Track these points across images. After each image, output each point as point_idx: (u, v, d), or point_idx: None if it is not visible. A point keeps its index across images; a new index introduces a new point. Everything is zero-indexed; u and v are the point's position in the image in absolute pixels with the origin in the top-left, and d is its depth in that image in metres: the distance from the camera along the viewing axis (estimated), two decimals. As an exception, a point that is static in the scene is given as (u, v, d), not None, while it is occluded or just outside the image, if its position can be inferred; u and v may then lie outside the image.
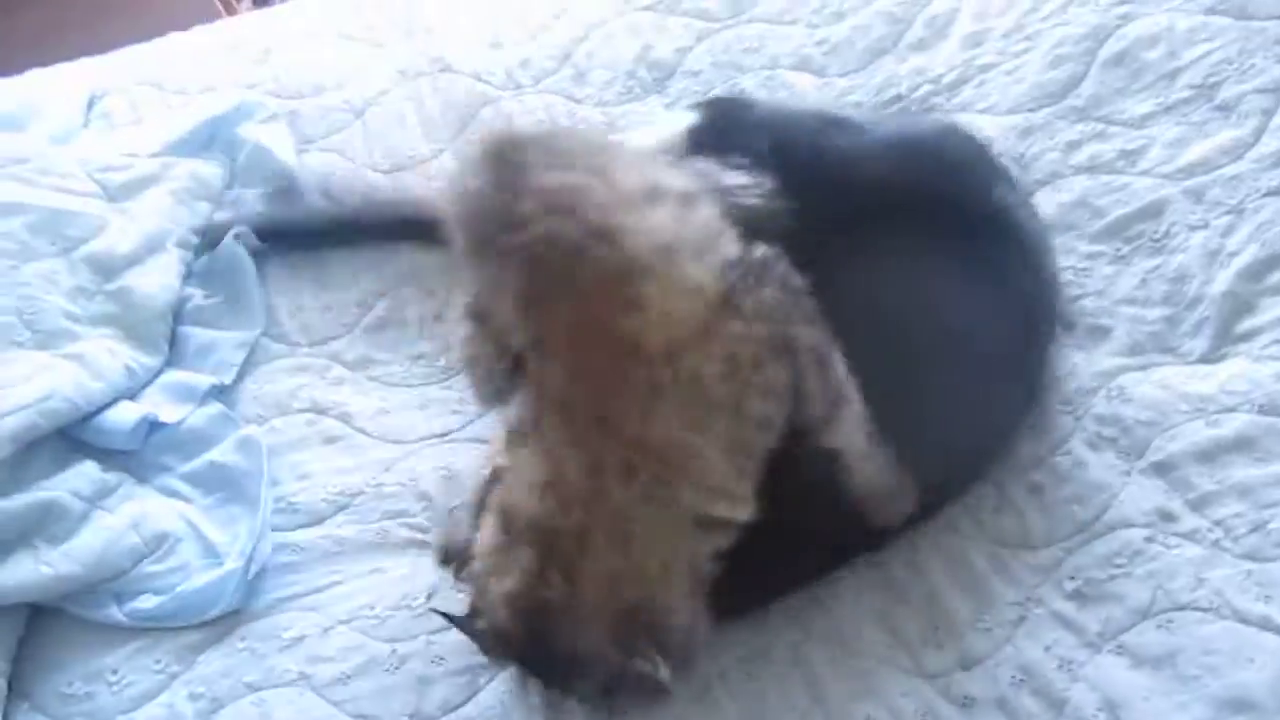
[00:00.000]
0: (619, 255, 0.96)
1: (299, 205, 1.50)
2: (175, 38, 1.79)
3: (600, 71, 1.54)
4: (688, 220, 1.00)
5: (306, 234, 1.47)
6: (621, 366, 0.95)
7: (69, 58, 1.83)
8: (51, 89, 1.70)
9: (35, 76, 1.77)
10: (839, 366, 0.99)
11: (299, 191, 1.50)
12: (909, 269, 1.07)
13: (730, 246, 1.00)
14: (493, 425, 1.25)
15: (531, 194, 1.00)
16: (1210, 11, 1.35)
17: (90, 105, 1.67)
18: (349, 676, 1.09)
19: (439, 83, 1.59)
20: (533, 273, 0.99)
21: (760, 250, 1.00)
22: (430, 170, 1.50)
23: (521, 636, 0.96)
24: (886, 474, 1.00)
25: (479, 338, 1.06)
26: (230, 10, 2.31)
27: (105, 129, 1.64)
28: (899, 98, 1.41)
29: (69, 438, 1.26)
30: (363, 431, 1.29)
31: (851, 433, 0.99)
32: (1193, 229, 1.21)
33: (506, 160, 1.04)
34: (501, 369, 1.04)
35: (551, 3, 1.62)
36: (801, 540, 1.01)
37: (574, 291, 0.97)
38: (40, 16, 2.34)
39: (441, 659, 1.08)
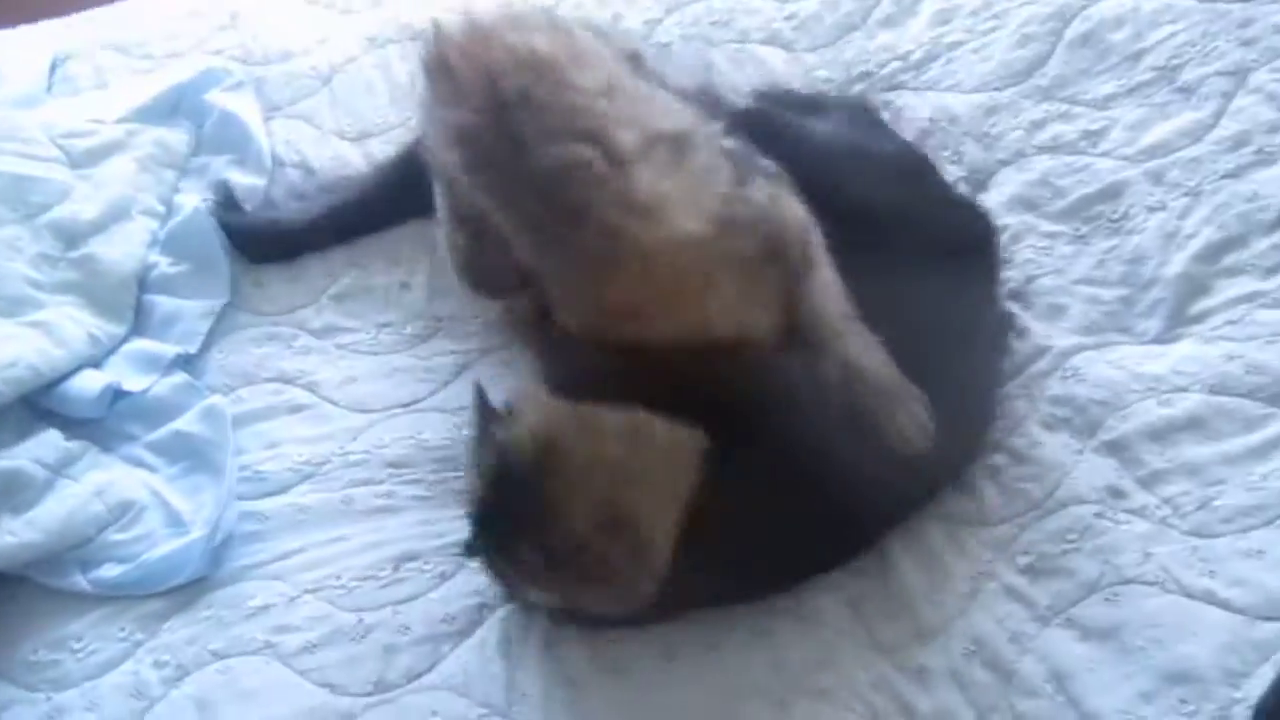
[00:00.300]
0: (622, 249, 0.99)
1: (280, 212, 1.46)
2: (140, 1, 1.77)
3: (570, 42, 1.53)
4: (681, 167, 1.02)
5: (293, 242, 1.43)
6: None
7: (31, 19, 1.80)
8: (13, 52, 1.68)
9: (-3, 38, 1.75)
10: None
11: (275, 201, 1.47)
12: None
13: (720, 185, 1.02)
14: (460, 391, 1.27)
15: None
16: (1177, -9, 1.37)
17: (53, 69, 1.65)
18: (315, 645, 1.10)
19: (408, 50, 1.57)
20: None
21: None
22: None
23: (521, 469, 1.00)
24: (884, 369, 1.01)
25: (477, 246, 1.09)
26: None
27: (69, 93, 1.62)
28: (867, 74, 1.42)
29: (32, 406, 1.26)
30: (329, 400, 1.29)
31: (824, 304, 1.02)
32: (1151, 210, 1.23)
33: (505, 106, 1.03)
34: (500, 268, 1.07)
35: (522, -28, 1.61)
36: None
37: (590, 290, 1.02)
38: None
39: (407, 628, 1.10)
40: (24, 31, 1.76)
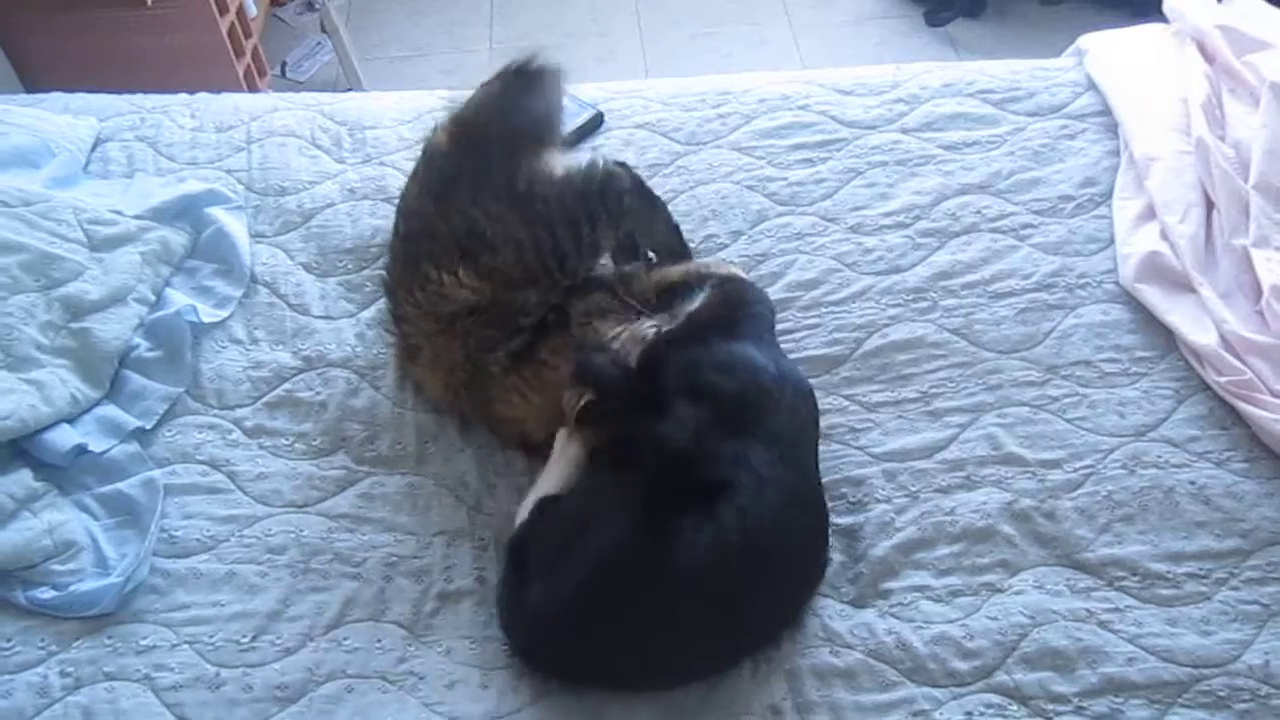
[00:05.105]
0: None
1: None
2: (182, 99, 2.15)
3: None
4: None
5: None
6: None
7: (92, 81, 2.18)
8: (65, 123, 2.05)
9: (56, 100, 2.12)
10: None
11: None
12: None
13: None
14: (339, 503, 1.65)
15: None
16: (956, 332, 1.79)
17: (94, 147, 2.03)
18: (180, 686, 1.46)
19: (378, 209, 1.97)
20: None
21: None
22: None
23: None
24: None
25: None
26: (251, 84, 2.64)
27: (102, 174, 1.99)
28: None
29: (11, 444, 1.61)
30: (241, 490, 1.67)
31: None
32: (878, 501, 1.63)
33: None
34: None
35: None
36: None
37: None
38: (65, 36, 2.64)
39: (250, 688, 1.47)
40: (77, 99, 2.14)
